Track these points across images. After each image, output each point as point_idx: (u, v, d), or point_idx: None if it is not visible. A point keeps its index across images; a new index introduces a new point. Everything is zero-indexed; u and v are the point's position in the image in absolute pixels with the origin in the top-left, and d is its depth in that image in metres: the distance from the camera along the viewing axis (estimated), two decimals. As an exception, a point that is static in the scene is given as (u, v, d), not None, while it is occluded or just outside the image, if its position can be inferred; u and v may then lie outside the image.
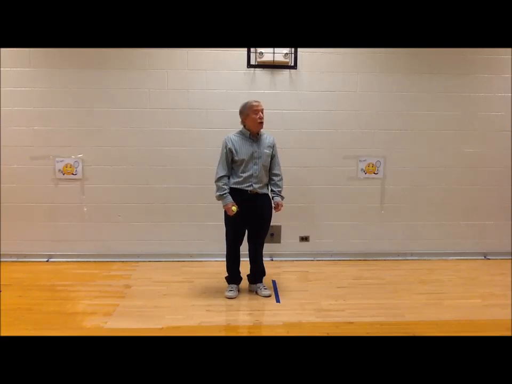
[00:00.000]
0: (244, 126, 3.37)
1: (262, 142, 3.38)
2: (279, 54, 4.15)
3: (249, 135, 3.34)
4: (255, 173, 3.32)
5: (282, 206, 3.47)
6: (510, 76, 4.33)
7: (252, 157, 3.31)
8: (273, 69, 4.23)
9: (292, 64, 4.22)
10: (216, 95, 4.22)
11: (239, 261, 3.54)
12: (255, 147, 3.33)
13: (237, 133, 3.39)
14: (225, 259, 3.55)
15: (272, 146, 3.43)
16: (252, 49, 4.16)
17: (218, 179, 3.32)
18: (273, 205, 3.47)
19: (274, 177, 3.48)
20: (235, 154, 3.30)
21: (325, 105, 4.29)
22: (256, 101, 3.32)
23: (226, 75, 4.21)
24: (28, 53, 4.09)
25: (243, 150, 3.31)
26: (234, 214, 3.26)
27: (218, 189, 3.32)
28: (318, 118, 4.31)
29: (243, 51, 4.17)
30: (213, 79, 4.20)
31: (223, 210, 3.37)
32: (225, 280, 3.58)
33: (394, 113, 4.35)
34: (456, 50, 4.24)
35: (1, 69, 4.08)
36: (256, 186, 3.32)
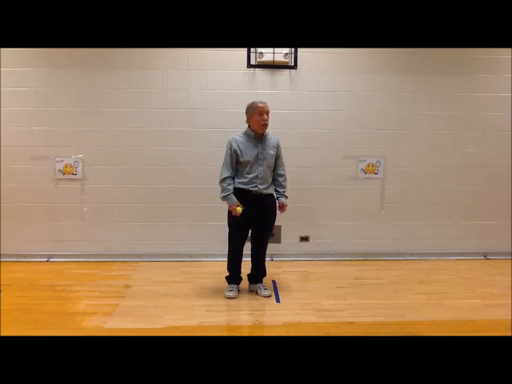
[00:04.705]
0: (249, 126, 3.36)
1: (267, 143, 3.36)
2: (279, 54, 4.15)
3: (254, 136, 3.33)
4: (260, 174, 3.31)
5: (287, 206, 3.47)
6: (510, 75, 4.33)
7: (256, 158, 3.30)
8: (273, 69, 4.23)
9: (292, 64, 4.22)
10: (216, 95, 4.22)
11: (241, 261, 3.53)
12: (259, 148, 3.32)
13: (241, 134, 3.37)
14: (225, 259, 3.55)
15: (277, 147, 3.42)
16: (252, 49, 4.16)
17: (223, 180, 3.31)
18: (277, 206, 3.47)
19: (279, 178, 3.48)
20: (240, 156, 3.29)
21: (325, 105, 4.29)
22: (262, 102, 3.29)
23: (226, 75, 4.21)
24: (28, 53, 4.09)
25: (248, 151, 3.29)
26: (239, 214, 3.26)
27: (223, 190, 3.31)
28: (318, 118, 4.31)
29: (243, 51, 4.17)
30: (213, 79, 4.20)
31: (227, 211, 3.37)
32: (225, 280, 3.57)
33: (394, 113, 4.35)
34: (456, 50, 4.24)
35: (1, 69, 4.08)
36: (261, 187, 3.32)
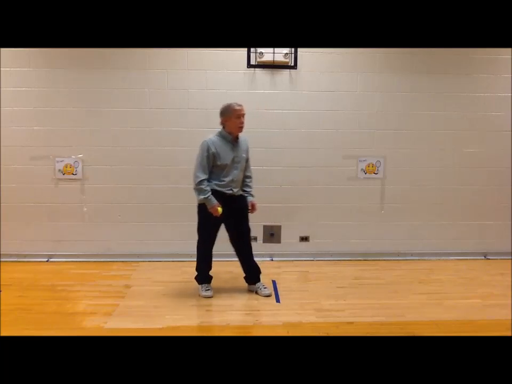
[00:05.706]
0: (223, 127, 3.33)
1: (240, 146, 3.36)
2: (279, 54, 4.15)
3: (230, 139, 3.31)
4: (235, 177, 3.33)
5: (256, 204, 3.48)
6: (510, 75, 4.33)
7: (233, 161, 3.30)
8: (273, 69, 4.23)
9: (292, 64, 4.21)
10: (216, 95, 4.21)
11: (211, 261, 3.53)
12: (235, 152, 3.32)
13: (217, 136, 3.32)
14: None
15: (247, 150, 3.43)
16: (252, 49, 4.16)
17: (200, 182, 3.23)
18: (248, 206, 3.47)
19: (246, 179, 3.50)
20: (218, 159, 3.24)
21: (325, 105, 4.29)
22: (239, 105, 3.27)
23: (226, 75, 4.21)
24: (28, 53, 4.08)
25: (225, 155, 3.26)
26: (220, 215, 3.25)
27: (201, 191, 3.23)
28: (318, 118, 4.30)
29: (243, 51, 4.17)
30: (213, 79, 4.20)
31: (197, 212, 3.38)
32: (198, 280, 3.55)
33: (394, 113, 4.35)
34: (456, 50, 4.23)
35: (1, 69, 4.08)
36: (235, 190, 3.35)
